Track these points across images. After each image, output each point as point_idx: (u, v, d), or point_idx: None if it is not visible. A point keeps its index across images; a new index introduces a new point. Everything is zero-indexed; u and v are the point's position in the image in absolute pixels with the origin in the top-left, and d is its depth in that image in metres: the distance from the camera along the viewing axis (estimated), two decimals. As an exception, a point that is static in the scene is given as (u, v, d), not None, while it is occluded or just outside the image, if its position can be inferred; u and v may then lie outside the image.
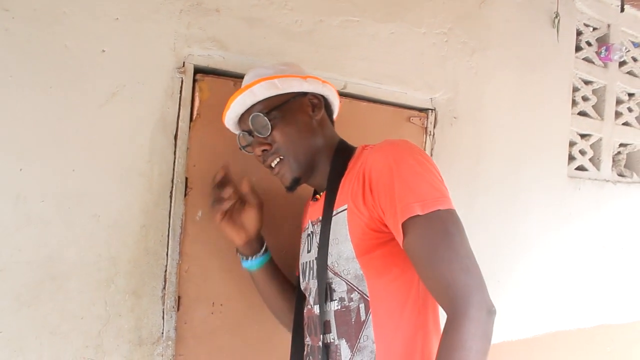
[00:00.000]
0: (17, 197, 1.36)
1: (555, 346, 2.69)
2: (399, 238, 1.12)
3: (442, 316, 1.12)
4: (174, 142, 1.58)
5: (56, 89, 1.41)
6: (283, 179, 1.36)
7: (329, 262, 1.25)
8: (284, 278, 1.60)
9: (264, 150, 1.32)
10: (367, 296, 1.20)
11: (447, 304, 1.03)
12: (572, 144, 2.78)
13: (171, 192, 1.58)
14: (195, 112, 1.61)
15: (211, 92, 1.63)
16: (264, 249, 1.55)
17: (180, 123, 1.59)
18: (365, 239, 1.18)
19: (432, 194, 1.09)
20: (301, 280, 1.45)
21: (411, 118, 2.08)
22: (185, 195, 1.60)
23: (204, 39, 1.62)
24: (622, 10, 2.76)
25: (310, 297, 1.38)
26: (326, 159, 1.35)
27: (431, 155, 2.14)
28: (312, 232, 1.38)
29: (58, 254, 1.41)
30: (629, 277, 3.03)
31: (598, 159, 2.91)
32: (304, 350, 1.44)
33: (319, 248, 1.28)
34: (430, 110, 2.15)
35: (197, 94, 1.61)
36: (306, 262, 1.41)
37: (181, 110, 1.59)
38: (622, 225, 2.98)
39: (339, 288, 1.24)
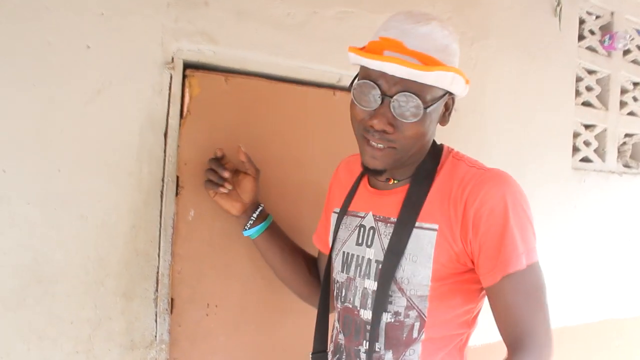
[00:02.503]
0: (1, 199, 1.32)
1: (561, 342, 2.62)
2: (489, 280, 1.13)
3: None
4: (163, 139, 1.54)
5: (39, 86, 1.36)
6: (374, 162, 1.15)
7: (397, 275, 1.17)
8: (288, 245, 1.54)
9: (384, 131, 1.10)
10: (425, 316, 1.18)
11: (522, 347, 1.09)
12: (576, 135, 2.73)
13: (162, 192, 1.54)
14: (185, 109, 1.56)
15: (202, 88, 1.59)
16: (258, 213, 1.51)
17: (170, 120, 1.54)
18: (447, 266, 1.15)
19: (534, 245, 1.15)
20: (339, 269, 1.33)
21: (410, 111, 2.03)
22: (176, 194, 1.56)
23: (193, 32, 1.57)
24: (626, -3, 2.70)
25: (352, 296, 1.27)
26: (420, 155, 1.22)
27: (431, 148, 2.08)
28: (373, 227, 1.25)
29: (44, 257, 1.37)
30: (636, 270, 2.98)
31: (603, 150, 2.86)
32: (332, 333, 1.39)
33: (389, 253, 1.18)
34: (429, 103, 2.09)
35: (187, 90, 1.57)
36: (355, 256, 1.28)
37: (171, 107, 1.54)
38: (628, 217, 2.92)
39: (398, 303, 1.18)
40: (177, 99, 1.55)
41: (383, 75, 1.07)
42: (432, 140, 1.25)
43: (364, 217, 1.29)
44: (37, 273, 1.37)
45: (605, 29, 2.83)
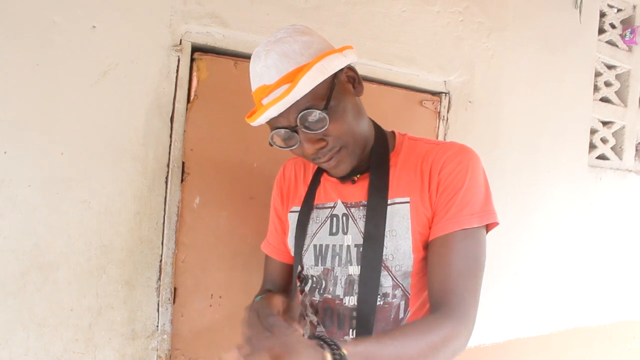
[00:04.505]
0: (2, 182, 1.29)
1: (573, 343, 2.58)
2: (438, 230, 1.14)
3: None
4: (170, 124, 1.49)
5: (43, 67, 1.32)
6: (338, 170, 1.18)
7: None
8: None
9: (320, 148, 1.13)
10: (409, 293, 1.19)
11: (446, 307, 1.07)
12: (593, 131, 2.66)
13: (167, 178, 1.50)
14: (192, 93, 1.52)
15: (210, 72, 1.54)
16: None
17: (176, 104, 1.50)
18: (423, 234, 1.17)
19: (490, 209, 1.15)
20: (312, 263, 1.29)
21: (423, 102, 1.98)
22: (182, 180, 1.51)
23: (202, 14, 1.52)
24: (649, -10, 2.62)
25: (333, 286, 1.25)
26: (370, 140, 1.24)
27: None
28: (346, 213, 1.25)
29: (45, 242, 1.34)
30: (652, 271, 2.91)
31: (620, 147, 2.79)
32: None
33: (368, 236, 1.18)
34: (443, 94, 2.04)
35: (195, 73, 1.52)
36: (330, 246, 1.26)
37: (178, 91, 1.50)
38: (645, 217, 2.85)
39: (385, 283, 1.18)
40: (185, 83, 1.51)
41: (278, 117, 1.11)
42: (366, 119, 1.23)
43: (334, 207, 1.28)
44: (38, 259, 1.33)
45: (627, 23, 2.75)
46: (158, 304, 1.50)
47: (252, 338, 0.96)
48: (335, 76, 1.11)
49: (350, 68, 1.18)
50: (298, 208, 1.34)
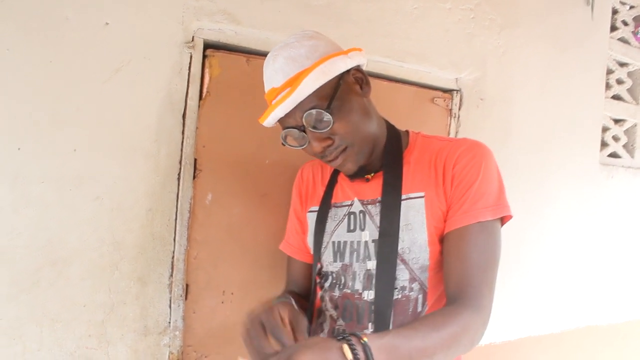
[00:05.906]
0: (15, 178, 1.29)
1: (585, 342, 2.56)
2: (453, 223, 1.16)
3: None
4: (182, 121, 1.49)
5: (56, 63, 1.33)
6: (345, 168, 1.23)
7: (398, 247, 1.21)
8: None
9: (328, 146, 1.17)
10: (427, 287, 1.21)
11: (463, 299, 1.08)
12: (605, 129, 2.64)
13: (179, 174, 1.50)
14: (204, 90, 1.52)
15: (222, 69, 1.54)
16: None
17: (188, 101, 1.50)
18: (439, 227, 1.19)
19: (504, 202, 1.18)
20: (331, 259, 1.33)
21: (435, 99, 1.97)
22: (194, 177, 1.52)
23: (214, 11, 1.52)
24: (662, -14, 2.60)
25: (352, 281, 1.28)
26: (381, 140, 1.27)
27: (456, 138, 2.02)
28: (363, 210, 1.28)
29: (58, 238, 1.34)
30: (663, 270, 2.89)
31: (632, 145, 2.76)
32: (317, 322, 1.37)
33: (384, 232, 1.22)
34: (455, 91, 2.03)
35: (207, 70, 1.52)
36: (348, 242, 1.30)
37: (190, 88, 1.50)
38: (657, 215, 2.83)
39: (402, 276, 1.21)
40: (197, 80, 1.51)
41: (286, 117, 1.17)
42: (376, 119, 1.26)
43: (351, 205, 1.31)
44: (51, 255, 1.34)
45: (639, 20, 2.72)
46: (170, 301, 1.50)
47: (258, 350, 0.98)
48: (341, 77, 1.16)
49: (357, 69, 1.22)
50: (316, 208, 1.37)
